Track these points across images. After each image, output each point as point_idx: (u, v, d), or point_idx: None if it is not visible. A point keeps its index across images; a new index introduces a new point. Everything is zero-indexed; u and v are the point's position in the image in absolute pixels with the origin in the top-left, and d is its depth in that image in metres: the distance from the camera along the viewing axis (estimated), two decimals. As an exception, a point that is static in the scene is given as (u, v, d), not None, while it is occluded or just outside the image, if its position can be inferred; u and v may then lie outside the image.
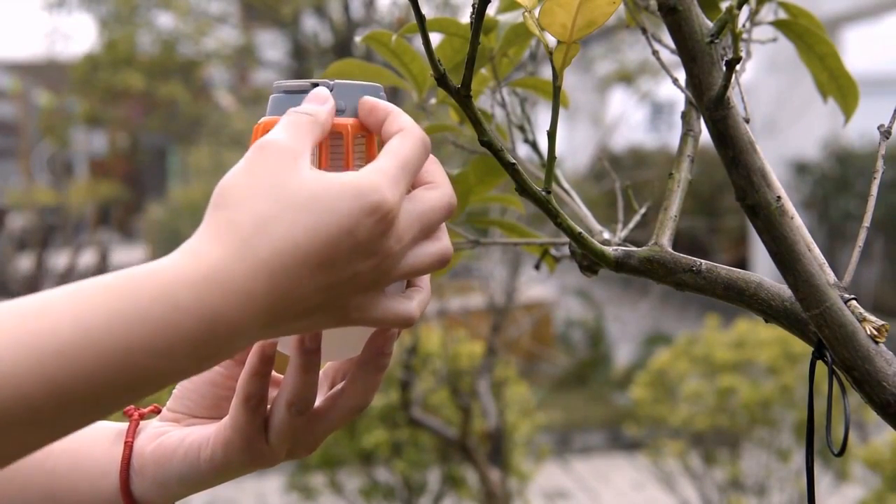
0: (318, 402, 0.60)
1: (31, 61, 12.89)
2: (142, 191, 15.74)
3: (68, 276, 2.58)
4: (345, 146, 0.56)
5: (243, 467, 0.60)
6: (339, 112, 0.57)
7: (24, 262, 9.11)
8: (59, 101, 9.16)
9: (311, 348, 0.56)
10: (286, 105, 0.57)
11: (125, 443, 0.62)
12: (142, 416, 0.64)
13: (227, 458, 0.59)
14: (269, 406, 0.60)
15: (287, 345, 0.57)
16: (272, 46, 6.80)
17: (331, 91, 0.56)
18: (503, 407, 3.16)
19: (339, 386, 0.61)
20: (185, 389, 0.64)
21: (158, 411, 0.65)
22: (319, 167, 0.55)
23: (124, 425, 0.63)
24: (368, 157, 0.57)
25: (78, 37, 21.82)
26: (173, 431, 0.62)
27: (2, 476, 0.62)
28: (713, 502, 3.46)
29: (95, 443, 0.63)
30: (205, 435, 0.61)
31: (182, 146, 12.02)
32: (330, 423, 0.61)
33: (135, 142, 14.62)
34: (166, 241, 9.93)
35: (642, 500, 4.50)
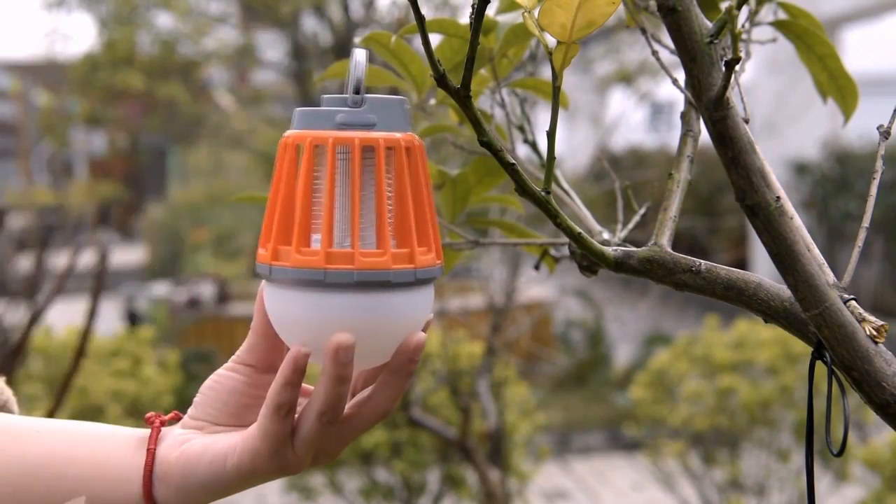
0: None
1: (30, 61, 12.87)
2: (141, 191, 15.73)
3: (68, 276, 2.57)
4: (377, 160, 0.58)
5: (269, 475, 0.60)
6: (370, 126, 0.58)
7: (24, 263, 9.09)
8: (58, 101, 9.14)
9: (345, 360, 0.56)
10: (312, 119, 0.58)
11: (147, 450, 0.62)
12: (163, 424, 0.64)
13: (254, 466, 0.60)
14: (296, 415, 0.60)
15: (320, 356, 0.57)
16: (272, 46, 6.80)
17: (361, 106, 0.58)
18: (503, 407, 3.16)
19: (364, 392, 0.62)
20: (207, 398, 0.64)
21: (179, 418, 0.65)
22: (352, 182, 0.57)
23: (146, 432, 0.63)
24: (398, 172, 0.58)
25: (78, 37, 21.83)
26: (196, 439, 0.62)
27: (23, 484, 0.62)
28: (713, 502, 3.46)
29: (118, 450, 0.63)
30: (231, 443, 0.61)
31: (182, 146, 12.02)
32: (355, 429, 0.61)
33: (134, 142, 14.60)
34: (166, 242, 9.92)
35: (642, 500, 4.50)
